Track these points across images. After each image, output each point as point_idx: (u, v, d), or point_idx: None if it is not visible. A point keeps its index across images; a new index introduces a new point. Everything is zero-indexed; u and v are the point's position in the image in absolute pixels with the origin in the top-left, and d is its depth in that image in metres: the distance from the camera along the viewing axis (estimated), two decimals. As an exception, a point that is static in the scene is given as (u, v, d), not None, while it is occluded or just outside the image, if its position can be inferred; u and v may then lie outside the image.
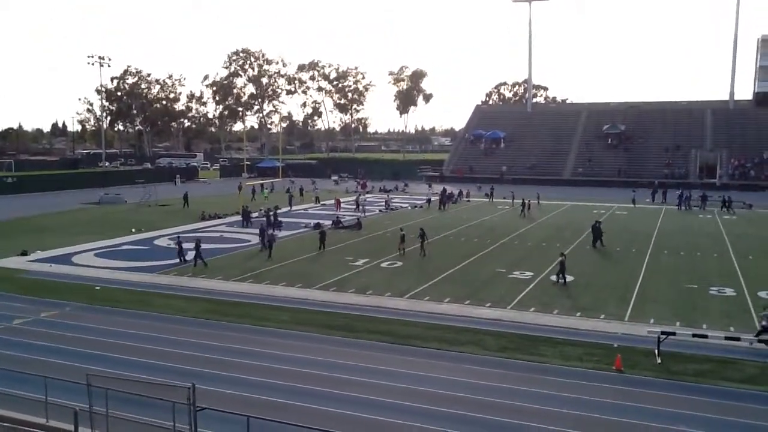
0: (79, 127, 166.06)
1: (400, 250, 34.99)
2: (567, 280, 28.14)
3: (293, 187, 70.54)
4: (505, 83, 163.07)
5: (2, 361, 17.56)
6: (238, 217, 48.48)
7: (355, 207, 55.67)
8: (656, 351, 18.84)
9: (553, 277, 28.79)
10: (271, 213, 46.66)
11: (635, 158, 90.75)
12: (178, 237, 34.68)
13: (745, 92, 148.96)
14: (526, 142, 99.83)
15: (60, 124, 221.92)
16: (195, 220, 49.47)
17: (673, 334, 19.18)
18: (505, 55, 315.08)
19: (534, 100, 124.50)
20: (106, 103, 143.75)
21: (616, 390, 16.62)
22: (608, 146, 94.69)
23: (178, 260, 32.58)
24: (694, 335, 19.46)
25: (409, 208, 58.65)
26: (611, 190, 74.01)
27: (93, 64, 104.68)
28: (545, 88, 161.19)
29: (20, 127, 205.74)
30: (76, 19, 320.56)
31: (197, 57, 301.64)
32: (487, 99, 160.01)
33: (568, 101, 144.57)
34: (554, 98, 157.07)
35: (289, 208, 51.90)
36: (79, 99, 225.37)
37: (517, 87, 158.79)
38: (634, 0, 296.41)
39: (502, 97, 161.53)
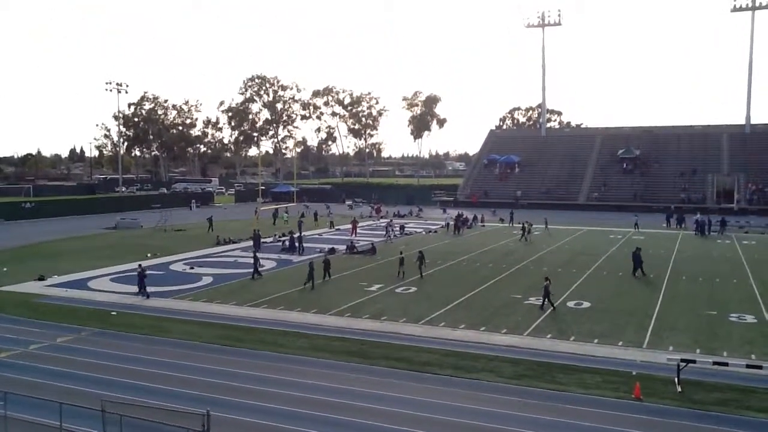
0: (96, 153, 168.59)
1: (399, 273, 35.42)
2: (555, 304, 28.08)
3: (308, 211, 70.90)
4: (518, 108, 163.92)
5: (18, 386, 17.58)
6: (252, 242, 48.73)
7: (384, 233, 55.14)
8: (676, 379, 18.53)
9: (538, 301, 28.72)
10: (296, 236, 46.97)
11: (651, 183, 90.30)
12: (140, 265, 32.99)
13: (761, 116, 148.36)
14: (540, 166, 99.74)
15: (78, 150, 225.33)
16: (211, 244, 49.66)
17: (693, 361, 18.86)
18: (518, 79, 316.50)
19: (548, 124, 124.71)
20: (123, 129, 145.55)
21: (636, 419, 16.33)
22: (623, 171, 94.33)
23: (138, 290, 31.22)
24: (714, 363, 19.11)
25: (424, 233, 58.54)
26: (627, 215, 73.50)
27: (111, 90, 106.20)
28: (559, 113, 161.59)
29: (39, 152, 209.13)
30: (95, 46, 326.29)
31: (213, 83, 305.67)
32: (501, 124, 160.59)
33: (582, 126, 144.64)
34: (568, 123, 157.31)
35: (298, 233, 52.17)
36: (97, 125, 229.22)
37: (531, 111, 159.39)
38: (649, 24, 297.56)
39: (515, 121, 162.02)
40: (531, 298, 30.25)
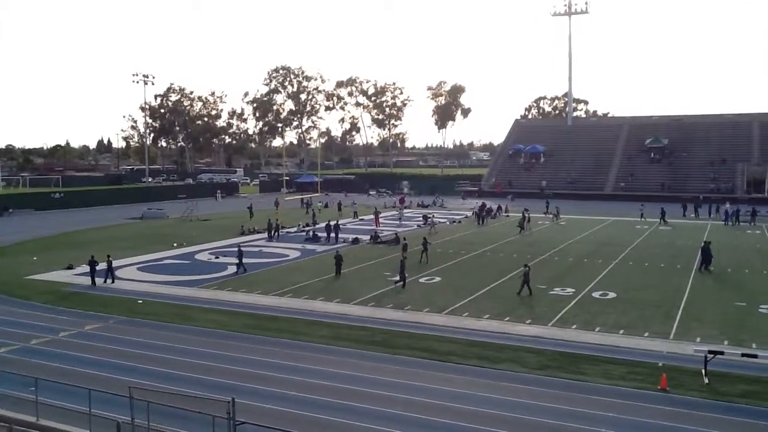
0: (123, 144, 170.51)
1: (403, 257, 35.23)
2: (531, 291, 28.38)
3: (330, 201, 71.25)
4: (544, 97, 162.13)
5: (48, 372, 17.93)
6: (280, 232, 49.24)
7: (423, 222, 55.69)
8: (703, 371, 18.29)
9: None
10: (332, 224, 47.40)
11: (679, 173, 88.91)
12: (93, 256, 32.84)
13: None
14: (566, 156, 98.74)
15: (105, 141, 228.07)
16: (235, 234, 50.06)
17: (721, 353, 18.58)
18: (544, 68, 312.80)
19: (574, 113, 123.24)
20: (150, 120, 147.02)
21: (662, 410, 16.16)
22: (651, 160, 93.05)
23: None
24: (743, 355, 18.81)
25: (448, 223, 58.37)
26: (655, 205, 72.51)
27: (137, 82, 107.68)
28: (585, 102, 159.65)
29: (67, 144, 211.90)
30: (122, 38, 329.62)
31: (238, 74, 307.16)
32: (526, 113, 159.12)
33: (609, 115, 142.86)
34: (595, 112, 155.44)
35: (335, 221, 52.86)
36: (124, 116, 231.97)
37: (556, 101, 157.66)
38: (677, 10, 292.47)
39: (541, 111, 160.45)
40: (556, 288, 30.04)
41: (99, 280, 31.69)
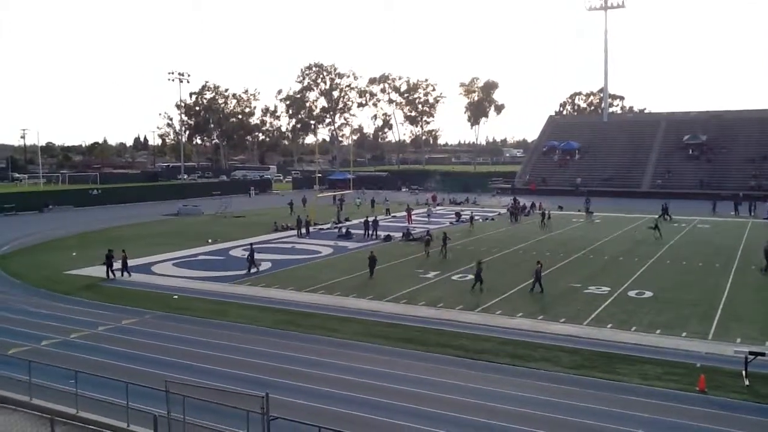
0: (159, 141, 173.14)
1: (426, 252, 37.46)
2: (543, 288, 28.30)
3: (364, 198, 71.65)
4: (579, 93, 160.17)
5: (87, 366, 18.28)
6: (313, 228, 49.53)
7: (462, 218, 56.42)
8: (743, 372, 17.88)
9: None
10: (370, 220, 47.89)
11: (718, 169, 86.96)
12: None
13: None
14: (601, 153, 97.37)
15: (142, 139, 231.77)
16: (269, 231, 50.45)
17: (762, 354, 18.12)
18: (579, 64, 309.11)
19: (610, 109, 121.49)
20: (185, 118, 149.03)
21: (699, 412, 15.85)
22: (689, 157, 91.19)
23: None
24: (785, 356, 18.33)
25: (481, 220, 58.03)
26: (692, 203, 71.18)
27: (173, 80, 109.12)
28: (622, 98, 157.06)
29: (105, 141, 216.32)
30: (158, 37, 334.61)
31: (272, 72, 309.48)
32: (561, 109, 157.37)
33: (645, 111, 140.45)
34: (631, 108, 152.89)
35: (336, 221, 53.69)
36: (160, 114, 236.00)
37: (592, 97, 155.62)
38: (716, 3, 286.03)
39: (576, 107, 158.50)
40: (591, 287, 29.65)
41: (111, 275, 32.69)
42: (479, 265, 29.73)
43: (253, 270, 33.59)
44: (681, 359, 19.68)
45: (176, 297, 28.52)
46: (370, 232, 46.69)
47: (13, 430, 13.66)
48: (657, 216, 53.76)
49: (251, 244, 37.02)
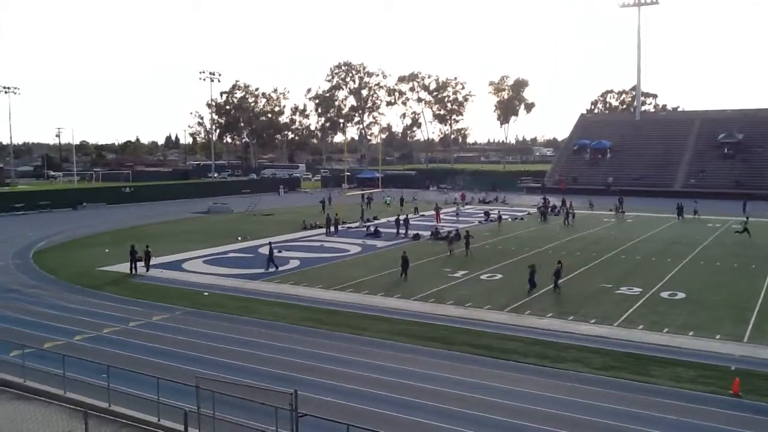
0: (190, 140, 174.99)
1: (450, 251, 38.02)
2: (559, 288, 28.25)
3: (390, 197, 71.89)
4: (611, 91, 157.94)
5: (119, 360, 18.58)
6: (341, 227, 49.73)
7: (491, 217, 56.35)
8: (779, 376, 17.49)
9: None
10: (402, 218, 48.12)
11: (754, 169, 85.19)
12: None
13: None
14: (633, 152, 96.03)
15: (173, 137, 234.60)
16: (298, 229, 50.71)
17: (799, 358, 17.73)
18: (611, 61, 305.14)
19: (642, 108, 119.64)
20: (216, 117, 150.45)
21: (732, 416, 15.53)
22: (724, 156, 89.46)
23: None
24: (823, 360, 17.90)
25: (510, 219, 57.64)
26: (727, 203, 69.84)
27: (204, 79, 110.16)
28: (654, 96, 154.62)
29: (137, 140, 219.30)
30: (190, 37, 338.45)
31: (301, 71, 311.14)
32: (592, 108, 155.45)
33: (679, 109, 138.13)
34: (664, 106, 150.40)
35: (361, 221, 53.83)
36: (191, 113, 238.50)
37: (624, 95, 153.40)
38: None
39: (608, 105, 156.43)
40: (622, 287, 29.26)
41: (134, 270, 33.53)
42: (532, 269, 29.28)
43: (271, 268, 33.68)
44: (714, 362, 19.32)
45: (206, 294, 28.82)
46: (402, 231, 46.67)
47: (49, 422, 13.92)
48: (744, 219, 51.02)
49: (270, 242, 37.23)
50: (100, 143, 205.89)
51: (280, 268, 33.86)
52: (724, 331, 22.37)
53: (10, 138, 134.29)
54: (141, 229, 52.27)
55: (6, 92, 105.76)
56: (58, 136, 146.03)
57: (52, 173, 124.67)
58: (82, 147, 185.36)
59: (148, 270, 33.60)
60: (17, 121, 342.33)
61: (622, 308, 25.55)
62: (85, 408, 13.32)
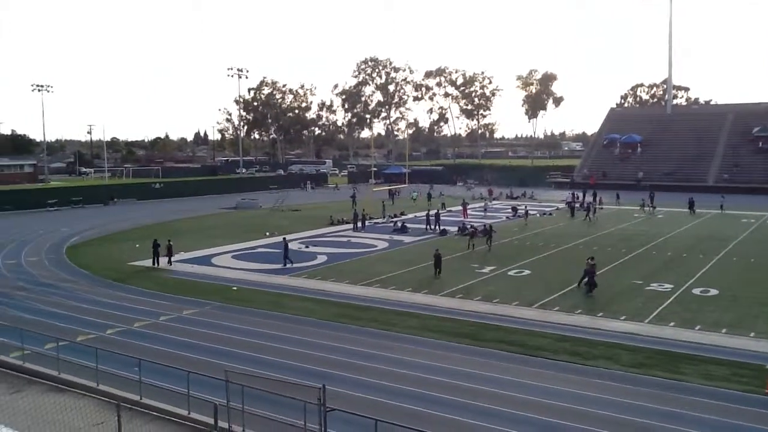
0: (218, 136, 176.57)
1: (469, 245, 38.35)
2: (593, 288, 27.08)
3: (417, 192, 71.82)
4: (641, 84, 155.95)
5: (150, 354, 18.83)
6: (369, 222, 49.82)
7: (518, 213, 55.85)
8: (816, 375, 17.09)
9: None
10: (432, 214, 48.12)
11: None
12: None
13: None
14: (664, 146, 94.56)
15: (202, 134, 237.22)
16: (325, 224, 50.90)
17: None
18: (642, 54, 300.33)
19: (674, 101, 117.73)
20: (244, 113, 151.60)
21: (766, 415, 15.22)
22: (758, 150, 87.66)
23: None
24: None
25: (538, 215, 57.18)
26: (762, 198, 68.46)
27: (232, 76, 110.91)
28: (686, 89, 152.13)
29: (167, 136, 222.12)
30: (218, 34, 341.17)
31: (328, 66, 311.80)
32: (622, 101, 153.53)
33: (712, 102, 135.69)
34: (696, 99, 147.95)
35: (383, 217, 53.79)
36: (219, 109, 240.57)
37: (655, 88, 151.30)
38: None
39: (638, 99, 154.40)
40: (653, 284, 28.84)
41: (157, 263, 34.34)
42: (591, 263, 27.73)
43: (288, 264, 33.69)
44: (748, 360, 18.95)
45: (235, 288, 29.07)
46: (432, 227, 46.59)
47: (83, 413, 14.17)
48: None
49: (284, 237, 37.37)
50: (130, 140, 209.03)
51: (309, 263, 34.00)
52: (759, 329, 21.93)
53: (44, 135, 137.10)
54: (170, 224, 52.90)
55: (39, 90, 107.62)
56: (89, 133, 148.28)
57: (84, 170, 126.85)
58: (113, 144, 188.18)
59: (170, 263, 34.26)
60: (50, 119, 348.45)
61: (653, 305, 25.20)
62: (117, 401, 13.53)
